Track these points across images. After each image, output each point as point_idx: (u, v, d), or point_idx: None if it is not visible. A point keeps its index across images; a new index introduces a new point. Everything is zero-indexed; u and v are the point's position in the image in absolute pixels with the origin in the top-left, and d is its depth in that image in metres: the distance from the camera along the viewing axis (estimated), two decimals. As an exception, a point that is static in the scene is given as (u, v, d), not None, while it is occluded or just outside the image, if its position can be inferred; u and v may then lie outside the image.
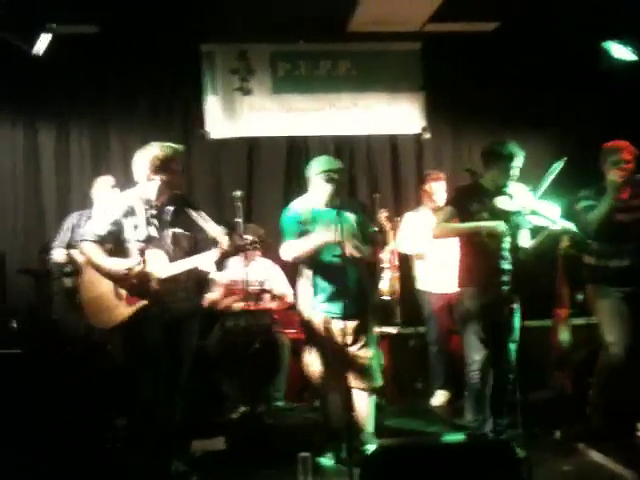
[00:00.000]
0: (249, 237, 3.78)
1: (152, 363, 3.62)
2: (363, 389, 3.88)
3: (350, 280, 3.80)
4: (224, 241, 3.70)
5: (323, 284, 3.85)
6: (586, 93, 5.86)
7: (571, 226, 3.94)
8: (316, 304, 3.86)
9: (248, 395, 4.69)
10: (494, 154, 4.06)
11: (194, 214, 3.80)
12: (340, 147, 6.01)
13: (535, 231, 4.04)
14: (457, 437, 4.10)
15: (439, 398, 5.08)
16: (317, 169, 3.89)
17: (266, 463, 3.81)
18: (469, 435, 3.97)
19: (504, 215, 3.95)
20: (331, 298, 3.83)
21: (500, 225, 3.89)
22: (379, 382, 3.93)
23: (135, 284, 3.59)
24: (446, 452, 2.94)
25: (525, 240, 4.03)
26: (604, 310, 4.09)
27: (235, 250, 3.78)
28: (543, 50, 5.87)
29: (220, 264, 4.96)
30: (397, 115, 6.08)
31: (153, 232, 3.67)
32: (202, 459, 3.92)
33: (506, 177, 4.01)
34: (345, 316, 3.82)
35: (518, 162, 4.01)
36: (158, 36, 5.59)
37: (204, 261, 3.70)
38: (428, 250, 5.07)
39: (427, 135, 6.12)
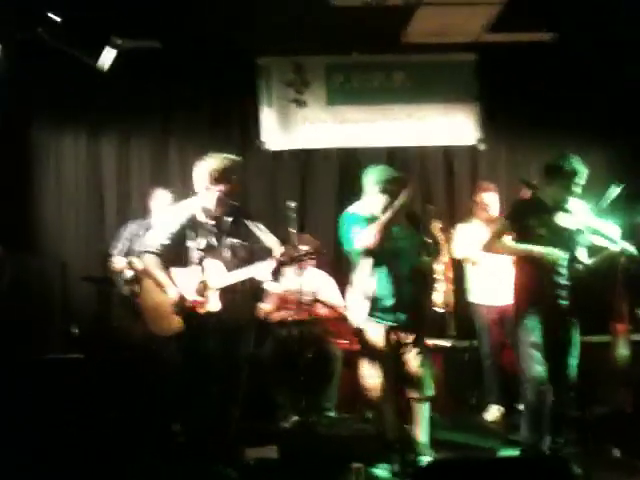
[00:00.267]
0: (304, 248, 3.82)
1: (206, 371, 3.70)
2: (416, 399, 3.88)
3: (406, 290, 3.82)
4: (279, 252, 3.75)
5: (380, 292, 3.85)
6: None
7: (631, 248, 3.85)
8: (370, 313, 3.86)
9: (300, 405, 4.72)
10: (557, 169, 3.96)
11: (251, 225, 3.87)
12: (394, 158, 5.99)
13: (594, 250, 3.98)
14: (512, 452, 4.04)
15: (493, 413, 5.03)
16: (373, 179, 3.90)
17: (318, 473, 3.82)
18: (524, 451, 3.91)
19: (562, 232, 3.90)
20: (386, 307, 3.84)
21: (554, 253, 3.83)
22: (431, 392, 3.91)
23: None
24: (500, 467, 2.91)
25: (583, 257, 3.97)
26: None
27: (290, 261, 3.83)
28: (603, 60, 5.77)
29: (275, 275, 5.02)
30: (452, 126, 6.07)
31: (212, 241, 3.75)
32: (255, 467, 3.94)
33: (567, 193, 3.92)
34: (399, 326, 3.83)
35: (581, 178, 3.94)
36: (216, 50, 5.71)
37: (260, 271, 3.76)
38: (480, 261, 5.03)
39: (482, 147, 6.08)
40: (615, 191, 3.86)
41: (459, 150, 6.12)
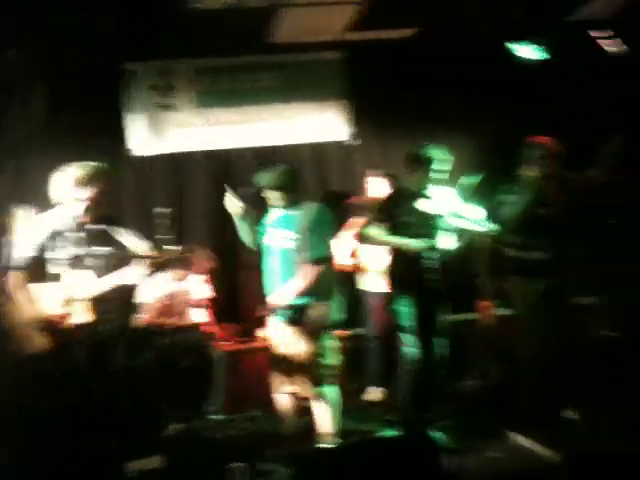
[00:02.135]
0: (173, 251, 3.79)
1: (75, 386, 3.62)
2: (313, 392, 3.92)
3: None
4: (149, 257, 3.71)
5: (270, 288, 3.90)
6: (505, 94, 6.03)
7: (494, 227, 4.06)
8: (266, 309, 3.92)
9: (183, 411, 4.68)
10: (415, 158, 4.18)
11: (121, 232, 3.81)
12: (268, 158, 6.03)
13: (462, 234, 4.16)
14: (390, 433, 4.16)
15: (374, 394, 5.14)
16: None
17: (202, 477, 3.81)
18: (402, 430, 4.03)
19: (427, 218, 4.06)
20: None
21: (416, 245, 3.98)
22: (330, 384, 3.95)
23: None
24: (371, 449, 3.02)
25: (451, 242, 4.14)
26: (525, 301, 4.22)
27: (160, 265, 3.79)
28: (461, 54, 6.02)
29: (149, 281, 4.97)
30: (323, 124, 6.16)
31: (80, 251, 3.67)
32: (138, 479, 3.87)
33: (428, 180, 4.12)
34: (292, 320, 3.87)
35: (441, 165, 4.12)
36: (79, 55, 5.54)
37: (130, 277, 3.70)
38: (363, 254, 5.14)
39: (354, 142, 6.20)
40: (475, 178, 4.06)
41: (331, 147, 6.21)
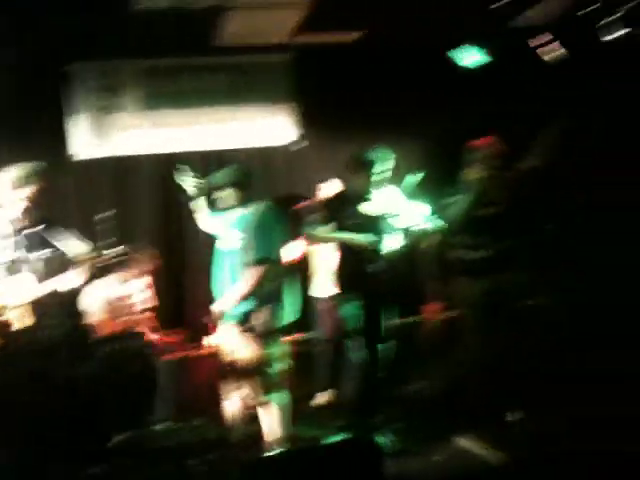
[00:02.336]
0: (113, 252, 3.73)
1: (25, 393, 3.53)
2: (262, 399, 3.89)
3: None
4: (89, 259, 3.65)
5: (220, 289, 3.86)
6: (449, 96, 6.11)
7: (439, 224, 4.11)
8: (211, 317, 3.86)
9: (129, 421, 4.60)
10: (358, 161, 4.21)
11: (59, 235, 3.72)
12: (215, 161, 5.99)
13: (405, 233, 4.20)
14: (337, 438, 4.16)
15: (321, 399, 5.13)
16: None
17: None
18: (348, 435, 4.03)
19: (372, 220, 4.09)
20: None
21: (364, 239, 3.99)
22: (279, 390, 3.92)
23: None
24: (318, 454, 3.02)
25: (397, 242, 4.17)
26: (467, 301, 4.29)
27: (100, 267, 3.72)
28: (406, 57, 6.08)
29: (91, 286, 4.88)
30: (271, 127, 6.13)
31: (20, 254, 3.58)
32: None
33: (370, 182, 4.15)
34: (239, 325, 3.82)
35: (383, 167, 4.15)
36: (21, 56, 5.40)
37: (69, 281, 3.63)
38: (312, 257, 5.14)
39: (301, 144, 6.19)
40: (416, 177, 4.10)
41: (279, 149, 6.19)
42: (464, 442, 3.90)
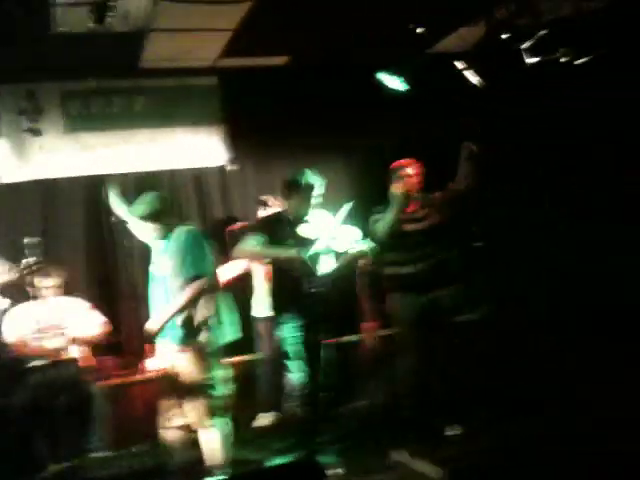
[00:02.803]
0: (28, 262, 3.62)
1: None
2: (203, 423, 3.82)
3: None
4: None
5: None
6: (377, 117, 6.27)
7: (368, 247, 4.21)
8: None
9: (62, 451, 4.44)
10: (292, 185, 4.25)
11: None
12: (142, 184, 5.89)
13: (338, 255, 4.28)
14: (279, 461, 4.15)
15: (262, 420, 5.10)
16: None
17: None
18: (290, 457, 4.03)
19: (306, 242, 4.14)
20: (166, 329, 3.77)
21: (297, 252, 4.05)
22: (221, 415, 3.85)
23: None
24: (260, 478, 3.01)
25: (329, 264, 4.24)
26: (401, 317, 4.40)
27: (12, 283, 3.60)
28: (332, 81, 6.20)
29: (16, 311, 4.72)
30: (199, 148, 6.09)
31: None
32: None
33: (306, 206, 4.20)
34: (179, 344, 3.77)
35: (316, 190, 4.21)
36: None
37: None
38: (251, 277, 5.14)
39: (231, 167, 6.19)
40: (348, 205, 4.21)
41: (208, 172, 6.16)
42: (405, 458, 3.96)
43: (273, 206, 5.03)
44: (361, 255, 4.45)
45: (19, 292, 4.62)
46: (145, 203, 3.90)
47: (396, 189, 4.35)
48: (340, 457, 3.91)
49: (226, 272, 4.93)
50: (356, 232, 4.39)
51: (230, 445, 3.83)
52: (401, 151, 4.79)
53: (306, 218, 4.26)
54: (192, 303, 3.70)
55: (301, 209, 4.22)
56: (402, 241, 4.41)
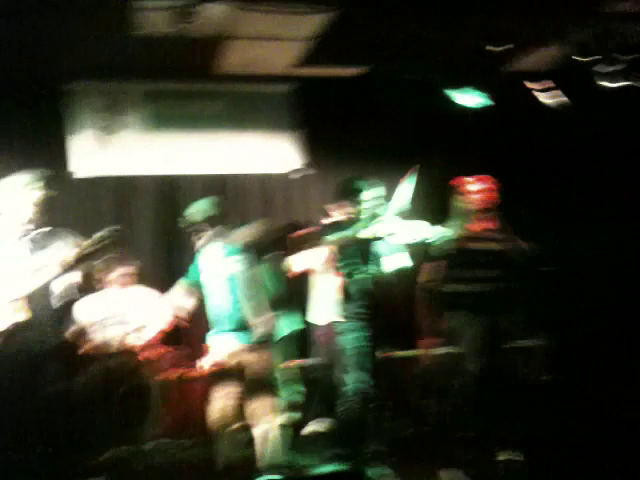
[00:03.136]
0: (99, 236, 3.72)
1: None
2: (269, 421, 3.89)
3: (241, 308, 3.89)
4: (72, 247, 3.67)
5: (218, 313, 3.92)
6: (446, 133, 6.23)
7: (447, 232, 4.07)
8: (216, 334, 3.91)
9: (120, 437, 4.57)
10: (344, 190, 4.25)
11: (62, 237, 3.77)
12: (212, 186, 6.04)
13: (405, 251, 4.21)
14: (329, 468, 4.16)
15: (311, 428, 5.10)
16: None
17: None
18: (340, 465, 4.03)
19: (363, 244, 4.11)
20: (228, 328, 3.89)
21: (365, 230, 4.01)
22: (285, 413, 3.97)
23: None
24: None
25: (399, 262, 4.19)
26: (457, 335, 4.35)
27: (82, 256, 3.70)
28: (405, 93, 6.21)
29: (88, 297, 4.88)
30: (270, 154, 6.19)
31: (26, 256, 3.67)
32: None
33: (359, 209, 4.16)
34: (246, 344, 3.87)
35: (369, 194, 4.17)
36: (23, 75, 5.44)
37: (51, 267, 3.63)
38: (314, 282, 5.18)
39: (300, 173, 6.26)
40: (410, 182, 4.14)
41: (278, 177, 6.24)
42: (456, 477, 3.91)
43: (336, 215, 5.04)
44: (425, 247, 4.31)
45: (90, 280, 4.76)
46: (201, 208, 4.06)
47: (461, 203, 4.31)
48: (389, 471, 3.88)
49: (294, 264, 5.05)
50: (423, 224, 4.32)
51: (282, 447, 3.88)
52: (472, 167, 4.74)
53: (364, 221, 4.21)
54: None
55: (354, 212, 4.19)
56: (466, 259, 4.35)
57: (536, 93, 5.44)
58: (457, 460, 4.07)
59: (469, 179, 4.46)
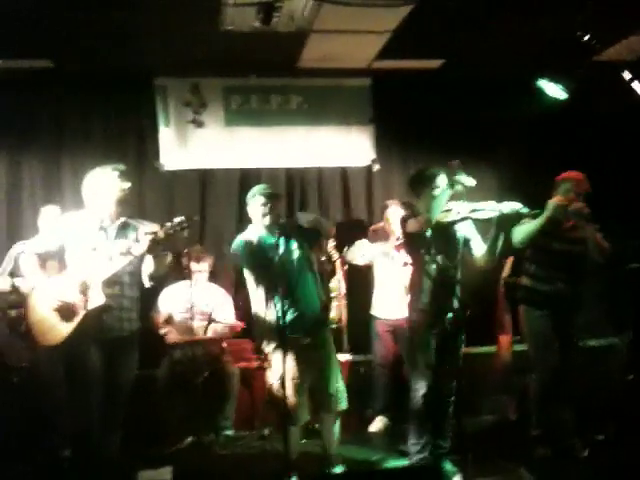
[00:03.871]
0: (176, 222, 3.78)
1: (87, 390, 3.68)
2: (329, 413, 3.96)
3: (309, 302, 3.98)
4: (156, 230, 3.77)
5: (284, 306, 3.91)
6: (525, 126, 6.09)
7: (515, 205, 3.91)
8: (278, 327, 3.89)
9: (196, 425, 4.69)
10: (416, 181, 4.14)
11: (139, 225, 3.92)
12: (291, 179, 6.13)
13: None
14: (399, 463, 4.14)
15: (377, 424, 5.12)
16: (250, 195, 4.12)
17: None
18: (411, 460, 4.00)
19: (446, 229, 4.00)
20: (292, 321, 3.92)
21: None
22: (345, 405, 4.00)
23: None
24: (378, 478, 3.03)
25: (480, 247, 4.08)
26: (533, 333, 4.24)
27: (165, 237, 3.77)
28: (485, 86, 6.09)
29: (170, 286, 5.02)
30: (347, 148, 6.21)
31: (110, 243, 3.79)
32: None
33: (434, 197, 4.04)
34: (307, 337, 3.93)
35: (442, 181, 4.03)
36: (112, 69, 5.65)
37: (136, 249, 3.74)
38: (380, 277, 5.17)
39: (376, 167, 6.25)
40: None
41: (355, 170, 6.26)
42: (528, 476, 3.84)
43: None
44: (509, 219, 4.04)
45: (176, 271, 4.88)
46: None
47: (554, 199, 4.16)
48: (462, 468, 3.83)
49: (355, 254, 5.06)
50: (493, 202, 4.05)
51: (340, 440, 3.94)
52: (560, 164, 4.58)
53: (441, 210, 4.07)
54: None
55: (431, 202, 3.99)
56: (549, 257, 4.24)
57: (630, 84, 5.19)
58: (532, 458, 3.99)
59: (571, 176, 4.29)
